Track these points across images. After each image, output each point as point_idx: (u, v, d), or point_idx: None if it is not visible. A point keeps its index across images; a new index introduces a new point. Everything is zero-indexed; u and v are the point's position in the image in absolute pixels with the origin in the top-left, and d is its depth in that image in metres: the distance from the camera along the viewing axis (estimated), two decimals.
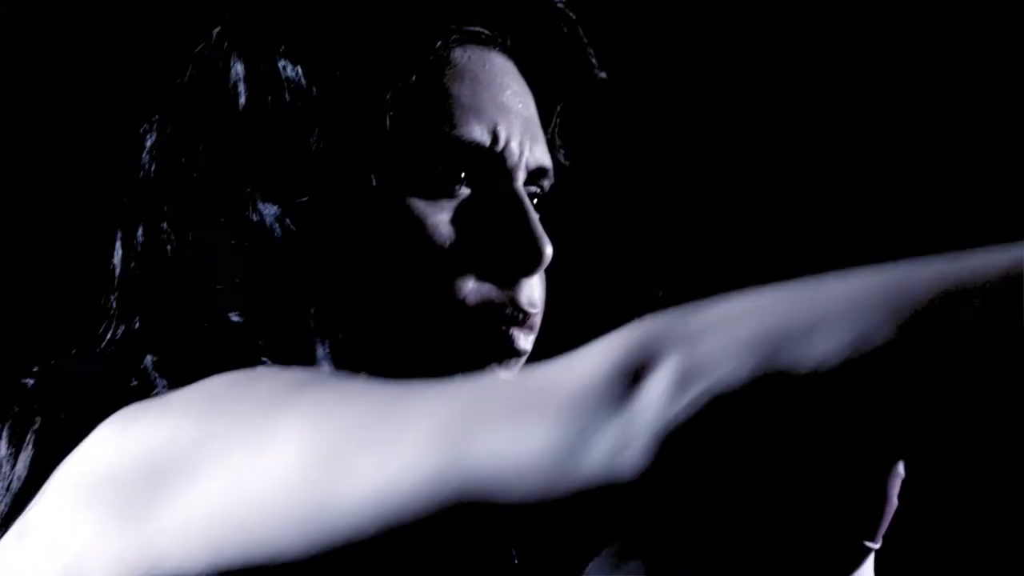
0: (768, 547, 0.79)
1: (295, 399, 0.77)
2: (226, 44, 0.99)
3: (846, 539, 0.81)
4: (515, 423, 0.65)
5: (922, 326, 0.60)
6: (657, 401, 0.62)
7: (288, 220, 0.94)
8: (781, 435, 0.61)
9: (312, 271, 0.94)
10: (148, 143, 0.99)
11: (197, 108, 0.98)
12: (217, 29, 1.00)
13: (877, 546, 0.82)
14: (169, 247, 0.96)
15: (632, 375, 0.63)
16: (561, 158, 1.07)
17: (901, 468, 0.82)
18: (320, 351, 0.93)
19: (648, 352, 0.63)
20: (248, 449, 0.75)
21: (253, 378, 0.82)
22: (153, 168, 0.98)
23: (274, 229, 0.94)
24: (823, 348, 0.60)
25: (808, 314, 0.61)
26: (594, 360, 0.64)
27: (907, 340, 0.60)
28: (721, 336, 0.62)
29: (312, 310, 0.93)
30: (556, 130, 1.06)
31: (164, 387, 0.89)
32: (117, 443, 0.83)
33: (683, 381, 0.61)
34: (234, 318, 0.93)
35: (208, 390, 0.82)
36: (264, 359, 0.90)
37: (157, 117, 1.00)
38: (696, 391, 0.61)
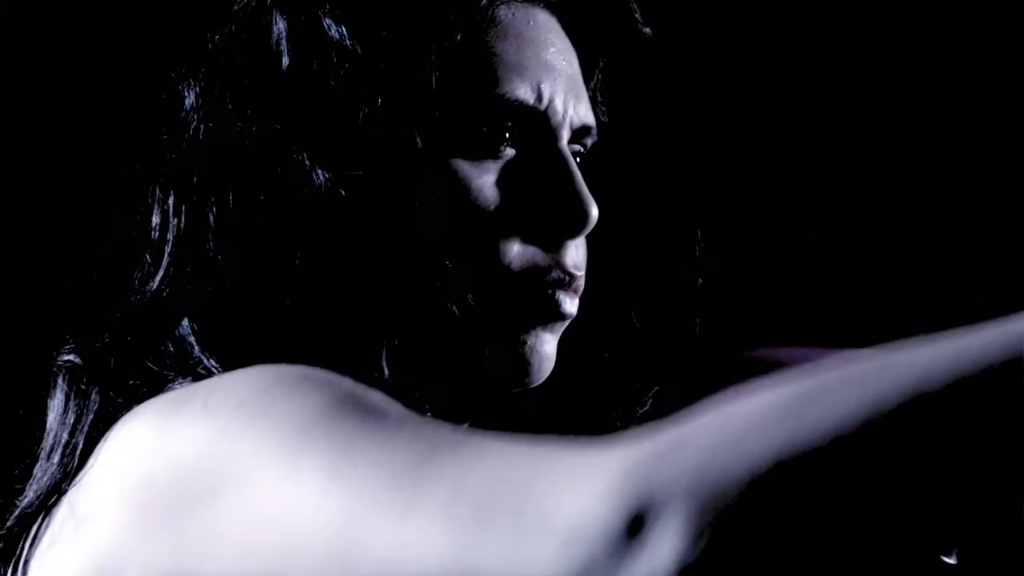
0: None
1: (326, 428, 0.76)
2: (268, 1, 0.97)
3: None
4: (522, 535, 0.66)
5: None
6: (663, 548, 0.62)
7: (340, 186, 0.92)
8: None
9: (363, 238, 0.92)
10: (188, 103, 0.97)
11: (239, 68, 0.96)
12: None
13: None
14: (211, 213, 0.94)
15: (632, 523, 0.63)
16: (602, 116, 1.05)
17: None
18: (365, 327, 0.91)
19: (645, 501, 0.63)
20: (271, 479, 0.75)
21: (294, 386, 0.80)
22: (194, 129, 0.96)
23: (331, 195, 0.92)
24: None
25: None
26: (593, 498, 0.64)
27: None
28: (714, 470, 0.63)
29: (359, 278, 0.92)
30: (599, 87, 1.05)
31: (200, 354, 0.90)
32: (154, 444, 0.83)
33: (684, 526, 0.62)
34: (274, 289, 0.92)
35: (247, 389, 0.81)
36: (306, 338, 0.90)
37: (200, 75, 0.97)
38: (696, 533, 0.62)
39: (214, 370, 0.91)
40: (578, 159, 1.00)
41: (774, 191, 1.84)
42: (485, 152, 0.95)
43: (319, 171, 0.92)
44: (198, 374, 0.91)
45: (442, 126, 0.94)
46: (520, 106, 0.96)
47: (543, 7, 1.00)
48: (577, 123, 0.99)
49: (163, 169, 0.97)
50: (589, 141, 1.02)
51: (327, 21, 0.94)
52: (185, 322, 0.93)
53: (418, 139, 0.93)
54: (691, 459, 0.63)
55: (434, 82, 0.93)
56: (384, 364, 0.91)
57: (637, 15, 1.03)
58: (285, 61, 0.94)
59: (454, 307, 0.93)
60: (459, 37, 0.94)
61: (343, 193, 0.92)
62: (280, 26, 0.95)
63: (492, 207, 0.94)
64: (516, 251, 0.95)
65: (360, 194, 0.92)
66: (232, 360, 0.89)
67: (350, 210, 0.92)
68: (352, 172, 0.92)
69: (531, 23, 0.98)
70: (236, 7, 0.98)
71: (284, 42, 0.95)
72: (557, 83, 0.98)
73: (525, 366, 0.97)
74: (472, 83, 0.95)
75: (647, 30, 1.04)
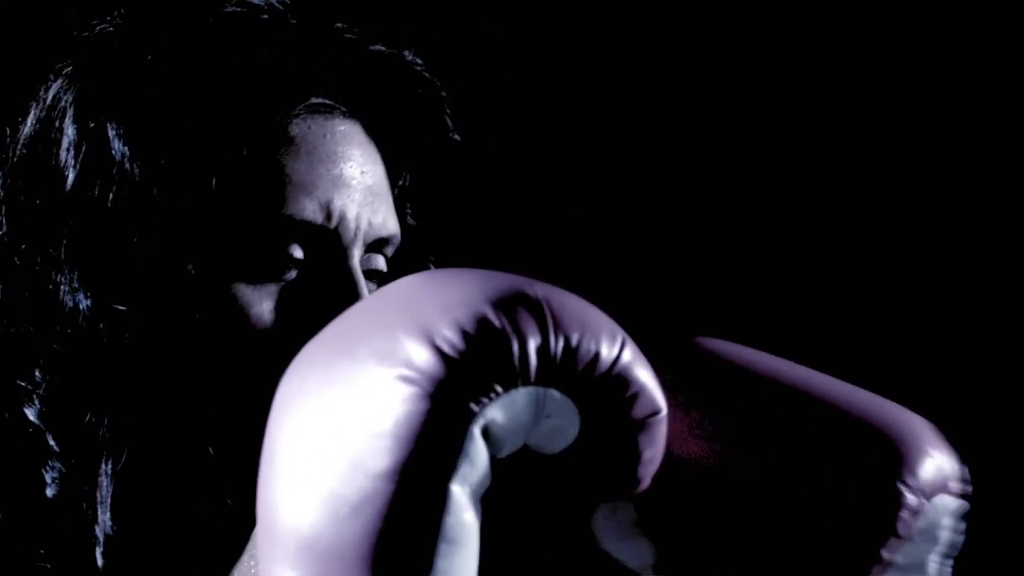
0: None
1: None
2: (62, 99, 0.94)
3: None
4: None
5: None
6: None
7: (97, 314, 0.90)
8: None
9: (119, 369, 0.89)
10: None
11: (27, 177, 0.94)
12: (57, 81, 0.95)
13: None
14: None
15: None
16: (410, 219, 1.03)
17: None
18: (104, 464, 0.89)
19: None
20: None
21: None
22: None
23: (81, 321, 0.90)
24: None
25: None
26: None
27: None
28: None
29: (110, 411, 0.89)
30: (408, 189, 1.03)
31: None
32: None
33: None
34: (29, 412, 0.90)
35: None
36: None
37: None
38: None
39: None
40: (379, 269, 0.97)
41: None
42: (266, 276, 0.92)
43: (81, 297, 0.90)
44: None
45: (222, 251, 0.91)
46: (307, 226, 0.93)
47: (344, 117, 0.97)
48: (372, 236, 0.96)
49: None
50: (390, 250, 0.99)
51: (111, 134, 0.91)
52: None
53: (191, 267, 0.89)
54: None
55: (212, 205, 0.90)
56: None
57: (445, 118, 1.01)
58: (70, 177, 0.91)
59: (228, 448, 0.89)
60: (244, 154, 0.91)
61: (101, 325, 0.89)
62: (71, 132, 0.92)
63: (271, 334, 0.90)
64: None
65: (125, 325, 0.89)
66: None
67: (113, 342, 0.89)
68: (115, 303, 0.89)
69: (327, 137, 0.95)
70: (33, 103, 0.95)
71: (71, 155, 0.92)
72: (350, 198, 0.94)
73: None
74: (256, 204, 0.91)
75: (455, 136, 1.01)
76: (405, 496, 0.70)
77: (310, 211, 0.92)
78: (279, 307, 0.91)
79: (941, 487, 0.84)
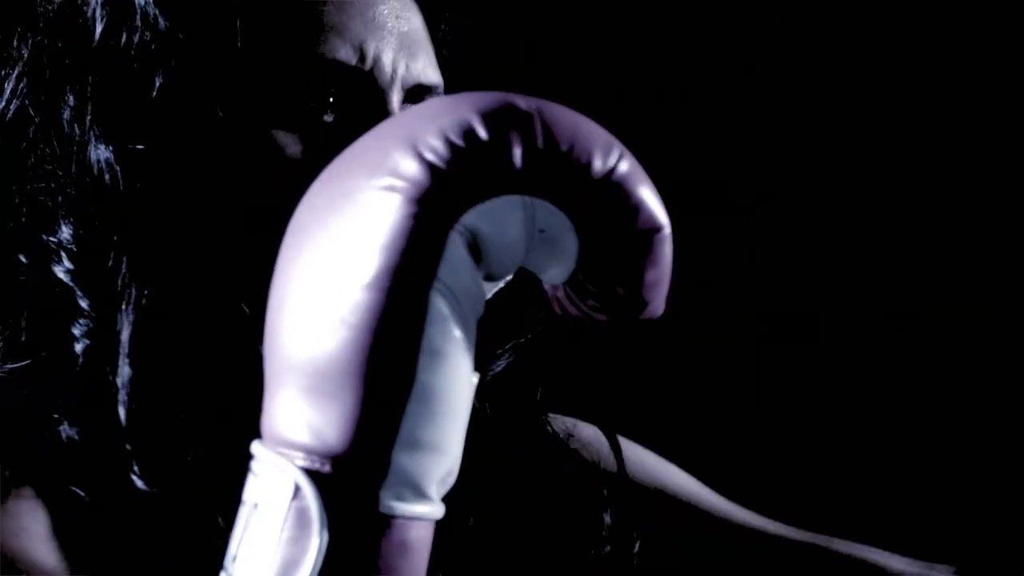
0: None
1: None
2: None
3: None
4: None
5: None
6: None
7: (118, 165, 0.88)
8: None
9: (141, 221, 0.88)
10: (16, 72, 0.94)
11: (56, 40, 0.92)
12: None
13: None
14: (22, 191, 0.91)
15: None
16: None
17: None
18: (125, 317, 0.87)
19: None
20: None
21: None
22: (15, 97, 0.93)
23: (102, 174, 0.88)
24: None
25: None
26: None
27: None
28: None
29: (130, 253, 0.88)
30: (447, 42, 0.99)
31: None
32: None
33: None
34: (58, 271, 0.89)
35: None
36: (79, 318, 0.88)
37: (26, 46, 0.94)
38: None
39: None
40: None
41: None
42: (300, 120, 0.89)
43: (103, 149, 0.88)
44: None
45: (252, 94, 0.88)
46: (341, 67, 0.90)
47: None
48: (411, 82, 0.93)
49: None
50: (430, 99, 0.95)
51: None
52: None
53: (219, 111, 0.87)
54: None
55: (239, 45, 0.87)
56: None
57: None
58: (97, 31, 0.90)
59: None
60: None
61: (119, 171, 0.87)
62: None
63: (305, 176, 0.84)
64: None
65: (146, 172, 0.87)
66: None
67: (132, 189, 0.88)
68: (134, 146, 0.88)
69: None
70: None
71: (99, 10, 0.90)
72: (385, 41, 0.91)
73: None
74: (286, 47, 0.89)
75: None
76: (386, 305, 0.69)
77: (343, 53, 0.90)
78: (314, 149, 0.89)
79: None
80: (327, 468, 0.69)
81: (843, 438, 1.79)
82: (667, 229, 0.75)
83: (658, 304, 0.77)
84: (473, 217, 0.70)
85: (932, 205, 1.80)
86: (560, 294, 0.78)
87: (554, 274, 0.76)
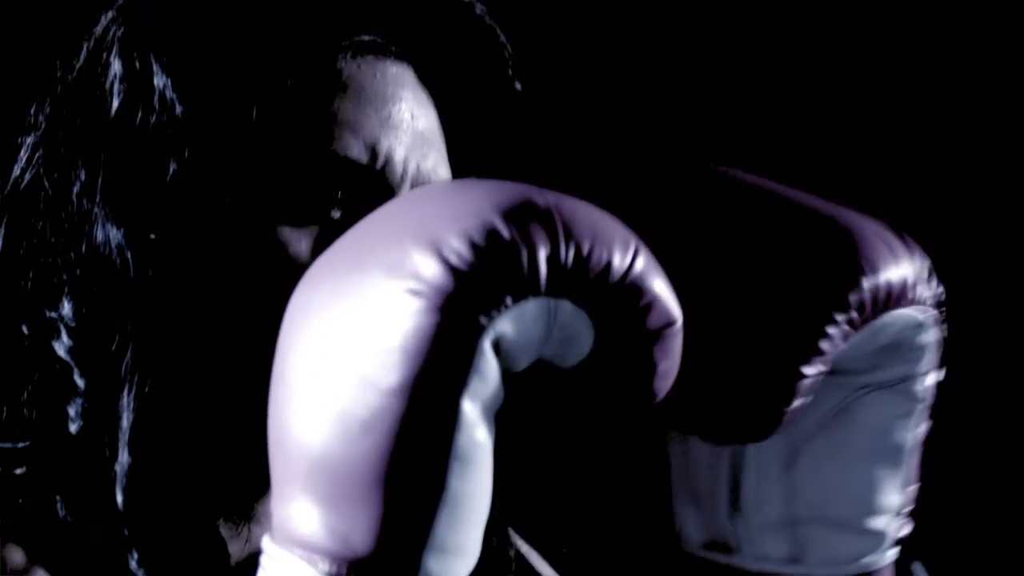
0: None
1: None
2: (111, 34, 0.92)
3: None
4: None
5: None
6: None
7: (129, 250, 0.87)
8: None
9: (146, 300, 0.87)
10: (32, 141, 0.93)
11: (72, 110, 0.91)
12: (108, 15, 0.93)
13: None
14: (31, 261, 0.91)
15: None
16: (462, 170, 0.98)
17: None
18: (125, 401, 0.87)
19: None
20: None
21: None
22: (30, 166, 0.92)
23: (111, 256, 0.87)
24: None
25: None
26: None
27: None
28: None
29: (134, 341, 0.87)
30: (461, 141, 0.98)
31: None
32: None
33: None
34: (57, 346, 0.88)
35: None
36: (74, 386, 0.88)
37: (43, 114, 0.93)
38: None
39: None
40: None
41: None
42: (309, 214, 0.88)
43: (113, 231, 0.87)
44: None
45: (262, 185, 0.87)
46: (352, 165, 0.88)
47: (396, 58, 0.93)
48: (421, 181, 0.92)
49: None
50: None
51: (155, 66, 0.88)
52: None
53: (229, 200, 0.86)
54: None
55: (255, 141, 0.86)
56: None
57: (508, 69, 0.96)
58: (114, 106, 0.89)
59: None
60: (290, 92, 0.87)
61: (130, 256, 0.87)
62: (117, 67, 0.90)
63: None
64: None
65: (157, 260, 0.87)
66: None
67: (142, 276, 0.87)
68: (145, 233, 0.87)
69: (377, 77, 0.91)
70: (85, 40, 0.93)
71: (116, 86, 0.89)
72: (398, 140, 0.90)
73: None
74: (300, 141, 0.87)
75: (517, 84, 0.96)
76: (415, 413, 0.69)
77: (356, 150, 0.88)
78: (320, 247, 0.86)
79: (896, 300, 0.83)
80: (352, 573, 0.69)
81: None
82: (679, 322, 0.76)
83: (663, 393, 0.78)
84: (500, 322, 0.71)
85: (932, 204, 1.82)
86: (567, 379, 0.79)
87: (564, 360, 0.77)
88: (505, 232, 0.71)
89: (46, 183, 0.91)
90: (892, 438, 0.89)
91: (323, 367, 0.71)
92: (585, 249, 0.72)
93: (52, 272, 0.90)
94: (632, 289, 0.73)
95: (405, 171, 0.91)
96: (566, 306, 0.73)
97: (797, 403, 0.83)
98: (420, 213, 0.74)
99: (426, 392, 0.69)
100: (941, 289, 0.88)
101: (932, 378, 0.90)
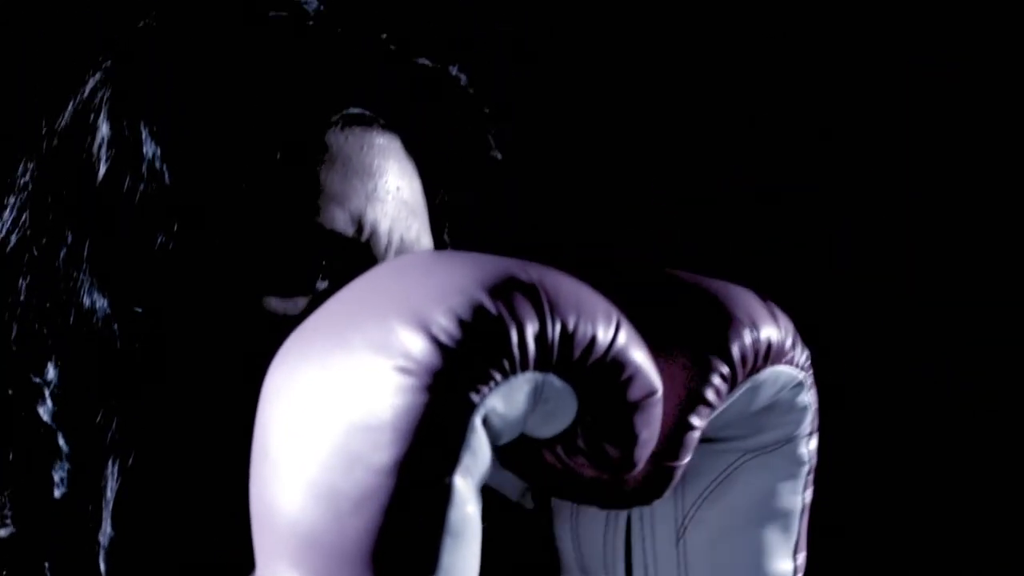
0: None
1: None
2: (99, 96, 0.91)
3: None
4: None
5: None
6: None
7: (114, 314, 0.87)
8: None
9: (133, 371, 0.87)
10: (17, 203, 0.93)
11: (57, 172, 0.91)
12: (94, 77, 0.93)
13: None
14: (17, 324, 0.90)
15: None
16: (445, 237, 1.01)
17: None
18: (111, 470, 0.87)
19: None
20: None
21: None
22: (16, 228, 0.92)
23: (97, 326, 0.88)
24: None
25: None
26: None
27: None
28: None
29: (121, 412, 0.87)
30: (444, 207, 1.00)
31: None
32: None
33: None
34: (41, 411, 0.88)
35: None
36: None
37: (29, 175, 0.93)
38: None
39: None
40: None
41: None
42: (295, 285, 0.89)
43: (100, 299, 0.87)
44: None
45: (249, 257, 0.88)
46: (338, 238, 0.90)
47: (383, 129, 0.94)
48: (404, 251, 0.93)
49: None
50: None
51: (144, 134, 0.89)
52: None
53: (216, 271, 0.87)
54: None
55: (242, 212, 0.87)
56: None
57: (488, 137, 0.98)
58: (100, 172, 0.89)
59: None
60: (278, 164, 0.88)
61: (116, 328, 0.87)
62: (104, 131, 0.90)
63: None
64: None
65: (141, 327, 0.87)
66: None
67: (129, 344, 0.87)
68: (133, 304, 0.87)
69: (364, 149, 0.92)
70: (71, 99, 0.92)
71: (103, 151, 0.89)
72: (383, 212, 0.91)
73: None
74: (287, 213, 0.88)
75: (497, 155, 0.98)
76: (408, 491, 0.69)
77: (341, 223, 0.90)
78: (306, 317, 0.86)
79: (776, 355, 0.84)
80: None
81: (843, 438, 1.82)
82: (660, 392, 0.77)
83: (644, 461, 0.79)
84: (491, 398, 0.72)
85: (932, 205, 1.83)
86: (546, 450, 0.80)
87: (544, 432, 0.78)
88: (492, 309, 0.72)
89: (32, 247, 0.91)
90: (779, 503, 0.90)
91: (309, 444, 0.72)
92: (571, 324, 0.73)
93: (38, 336, 0.90)
94: (615, 362, 0.75)
95: (390, 242, 0.92)
96: (553, 380, 0.74)
97: (683, 458, 0.82)
98: (403, 287, 0.74)
99: (419, 470, 0.70)
100: (808, 354, 0.88)
101: (814, 442, 0.90)
